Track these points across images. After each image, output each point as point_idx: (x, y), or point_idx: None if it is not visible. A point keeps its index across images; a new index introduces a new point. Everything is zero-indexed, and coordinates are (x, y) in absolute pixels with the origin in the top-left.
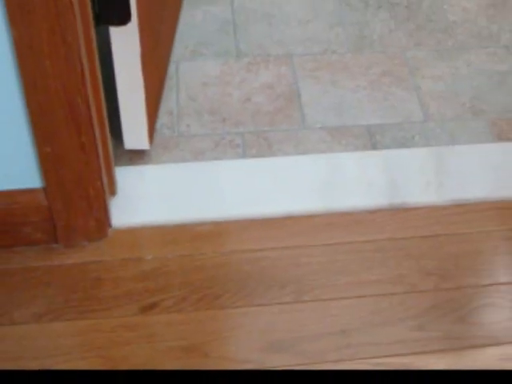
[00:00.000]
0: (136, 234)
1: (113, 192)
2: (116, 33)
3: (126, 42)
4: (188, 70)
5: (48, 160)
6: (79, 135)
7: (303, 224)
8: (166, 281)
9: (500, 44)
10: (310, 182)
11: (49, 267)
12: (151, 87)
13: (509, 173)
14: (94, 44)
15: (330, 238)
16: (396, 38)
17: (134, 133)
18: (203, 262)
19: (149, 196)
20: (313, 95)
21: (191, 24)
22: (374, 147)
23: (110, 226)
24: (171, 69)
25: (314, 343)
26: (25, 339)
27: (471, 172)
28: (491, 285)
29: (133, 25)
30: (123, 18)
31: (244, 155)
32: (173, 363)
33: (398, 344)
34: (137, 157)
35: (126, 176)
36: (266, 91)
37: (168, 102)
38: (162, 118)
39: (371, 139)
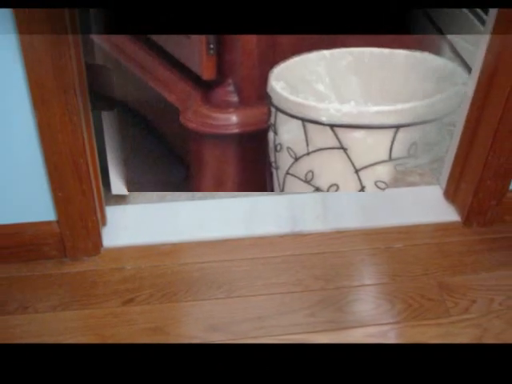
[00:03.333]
0: (120, 252)
1: (104, 223)
2: (106, 115)
3: (112, 121)
4: None
5: (60, 201)
6: (81, 184)
7: (234, 244)
8: (140, 283)
9: None
10: (238, 215)
11: (61, 274)
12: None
13: (372, 210)
14: (91, 122)
15: (252, 254)
16: None
17: (119, 183)
18: (165, 270)
19: (129, 226)
20: None
21: None
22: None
23: (102, 246)
24: None
25: (240, 325)
26: (44, 323)
27: (347, 210)
28: (360, 286)
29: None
30: (110, 106)
31: (193, 198)
32: (145, 339)
33: (297, 326)
34: (120, 199)
35: (113, 212)
36: None
37: None
38: None
39: None
